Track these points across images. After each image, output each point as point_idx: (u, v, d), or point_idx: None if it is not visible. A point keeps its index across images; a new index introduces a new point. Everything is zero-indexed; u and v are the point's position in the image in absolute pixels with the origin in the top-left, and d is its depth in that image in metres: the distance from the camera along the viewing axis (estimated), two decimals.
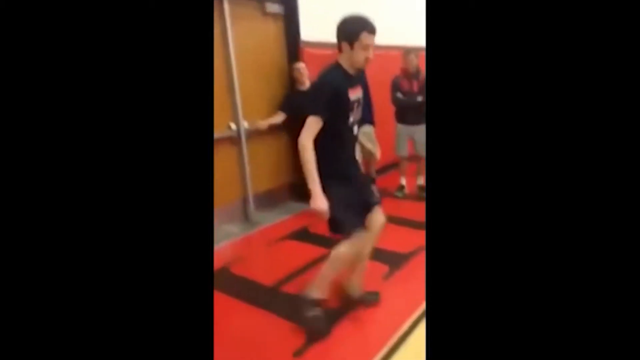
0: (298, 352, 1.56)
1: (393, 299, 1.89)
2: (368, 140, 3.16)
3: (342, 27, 1.49)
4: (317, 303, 1.64)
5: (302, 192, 3.16)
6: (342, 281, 1.84)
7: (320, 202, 1.46)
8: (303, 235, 2.76)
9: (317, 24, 3.24)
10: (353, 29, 1.45)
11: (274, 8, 3.09)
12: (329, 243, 2.53)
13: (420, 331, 1.65)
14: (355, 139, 1.67)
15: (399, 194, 3.39)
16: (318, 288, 1.65)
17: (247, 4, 2.91)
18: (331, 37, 3.51)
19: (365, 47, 1.45)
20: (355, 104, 1.54)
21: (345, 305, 1.83)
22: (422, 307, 1.80)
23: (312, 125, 1.44)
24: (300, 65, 3.00)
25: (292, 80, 3.09)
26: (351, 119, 1.54)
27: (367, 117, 3.11)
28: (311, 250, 2.46)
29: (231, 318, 1.82)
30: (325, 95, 1.45)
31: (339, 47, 1.50)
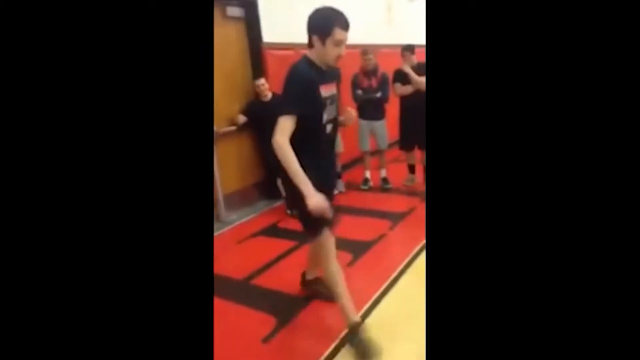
0: (266, 339, 1.67)
1: (356, 283, 2.03)
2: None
3: (314, 20, 1.37)
4: (357, 326, 1.53)
5: (269, 190, 3.28)
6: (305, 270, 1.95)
7: (317, 199, 1.32)
8: (272, 231, 2.86)
9: (278, 25, 3.34)
10: (326, 23, 1.33)
11: (235, 12, 3.16)
12: (297, 237, 2.66)
13: (384, 307, 1.79)
14: (330, 138, 1.54)
15: (365, 187, 3.55)
16: (349, 312, 1.53)
17: None
18: (292, 38, 3.61)
19: (338, 43, 1.34)
20: (328, 101, 1.43)
21: (307, 291, 1.94)
22: (384, 286, 1.95)
23: (285, 125, 1.33)
24: (261, 82, 3.07)
25: (255, 94, 3.15)
26: (325, 117, 1.43)
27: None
28: (280, 245, 2.57)
29: None
30: (296, 90, 1.36)
31: (309, 41, 1.39)
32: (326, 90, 1.43)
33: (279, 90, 3.18)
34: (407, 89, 3.19)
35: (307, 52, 1.42)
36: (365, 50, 3.26)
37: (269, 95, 3.09)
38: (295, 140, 1.35)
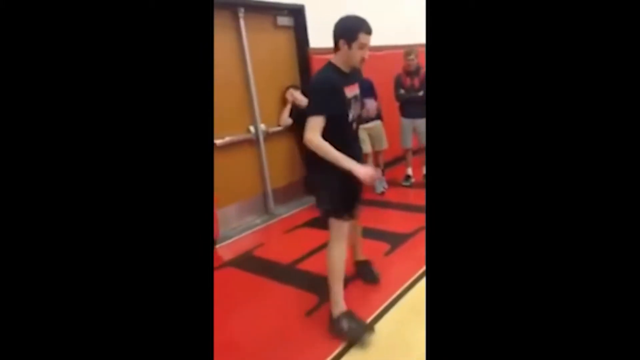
0: (309, 312, 1.88)
1: (393, 269, 2.18)
2: (377, 135, 3.44)
3: (341, 26, 1.53)
4: (345, 315, 1.68)
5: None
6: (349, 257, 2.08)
7: (365, 169, 1.50)
8: (316, 223, 3.08)
9: (323, 32, 3.55)
10: (352, 29, 1.49)
11: (285, 21, 3.43)
12: None
13: (416, 291, 1.93)
14: (356, 135, 1.71)
15: (406, 183, 3.65)
16: (337, 304, 1.70)
17: (261, 19, 3.25)
18: None
19: (362, 47, 1.50)
20: (352, 101, 1.58)
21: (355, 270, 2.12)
22: (418, 273, 2.08)
23: (315, 124, 1.48)
24: (289, 92, 3.30)
25: (292, 104, 3.36)
26: (350, 116, 1.59)
27: (375, 114, 3.40)
28: (323, 235, 2.76)
29: (255, 291, 2.16)
30: (323, 94, 1.50)
31: (336, 46, 1.54)
32: (350, 91, 1.58)
33: None
34: None
35: (331, 57, 1.58)
36: (408, 50, 3.37)
37: (304, 100, 3.30)
38: (327, 139, 1.50)
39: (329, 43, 3.83)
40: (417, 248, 2.44)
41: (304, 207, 3.46)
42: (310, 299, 1.98)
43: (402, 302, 1.88)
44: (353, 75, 1.62)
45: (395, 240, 2.52)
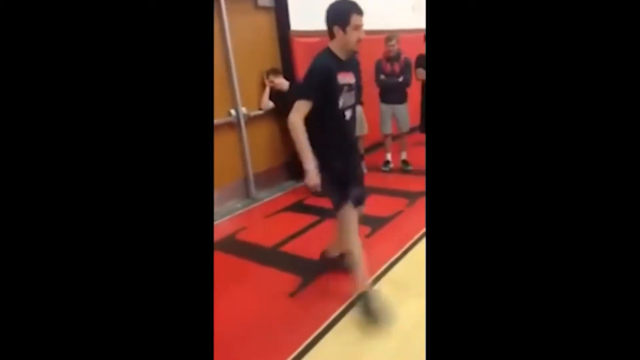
0: (293, 294, 1.93)
1: (374, 250, 2.25)
2: (357, 120, 3.46)
3: (332, 12, 1.55)
4: (369, 294, 1.68)
5: (296, 171, 3.51)
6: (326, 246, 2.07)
7: (313, 179, 1.55)
8: (297, 207, 3.11)
9: (305, 14, 3.51)
10: (343, 13, 1.52)
11: (265, 2, 3.36)
12: (320, 212, 2.90)
13: (396, 269, 2.01)
14: (347, 123, 1.67)
15: (385, 169, 3.72)
16: (361, 281, 1.70)
17: (241, 0, 3.18)
18: (319, 25, 3.78)
19: (357, 28, 1.52)
20: (345, 88, 1.57)
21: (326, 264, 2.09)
22: (398, 253, 2.16)
23: (301, 107, 1.51)
24: (270, 79, 3.29)
25: (272, 91, 3.34)
26: (341, 103, 1.58)
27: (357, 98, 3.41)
28: (305, 219, 2.82)
29: (239, 273, 2.19)
30: (314, 80, 1.52)
31: (330, 33, 1.56)
32: (344, 78, 1.57)
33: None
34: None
35: (328, 43, 1.59)
36: (389, 36, 3.39)
37: (285, 84, 3.28)
38: (318, 125, 1.55)
39: (311, 25, 3.79)
40: (396, 230, 2.52)
41: (285, 192, 3.48)
42: (294, 280, 2.03)
43: (384, 279, 1.96)
44: (349, 63, 1.62)
45: (375, 223, 2.59)
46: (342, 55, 1.58)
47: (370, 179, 3.53)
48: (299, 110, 1.52)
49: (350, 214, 1.71)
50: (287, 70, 3.45)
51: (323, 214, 2.88)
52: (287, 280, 2.05)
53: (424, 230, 2.41)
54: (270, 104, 3.34)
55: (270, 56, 3.48)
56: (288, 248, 2.42)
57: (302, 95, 1.54)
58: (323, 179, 1.60)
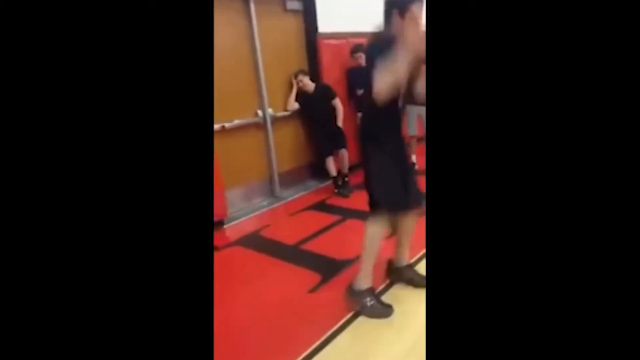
0: (312, 290, 1.98)
1: (387, 251, 2.27)
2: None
3: None
4: (370, 292, 1.73)
5: (318, 172, 3.57)
6: (391, 256, 1.97)
7: (414, 32, 1.40)
8: (320, 206, 3.16)
9: (332, 16, 3.57)
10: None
11: (294, 5, 3.44)
12: (342, 212, 2.94)
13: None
14: (400, 114, 1.64)
15: None
16: (365, 278, 1.72)
17: (270, 3, 3.27)
18: (345, 27, 3.82)
19: (414, 20, 1.46)
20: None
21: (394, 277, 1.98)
22: (417, 257, 2.17)
23: (384, 74, 1.41)
24: (299, 79, 3.31)
25: (299, 90, 3.37)
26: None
27: None
28: (327, 218, 2.86)
29: (261, 269, 2.27)
30: (382, 50, 1.41)
31: (387, 16, 1.51)
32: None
33: (331, 79, 3.47)
34: None
35: (339, 42, 1.59)
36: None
37: (312, 86, 3.34)
38: (371, 117, 1.58)
39: (338, 28, 3.82)
40: (417, 232, 2.52)
41: (308, 191, 3.54)
42: (314, 277, 2.08)
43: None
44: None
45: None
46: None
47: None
48: (383, 77, 1.42)
49: (383, 226, 1.69)
50: (314, 72, 3.51)
51: (344, 213, 2.92)
52: (307, 277, 2.10)
53: None
54: (296, 105, 3.42)
55: (297, 58, 3.55)
56: (309, 246, 2.48)
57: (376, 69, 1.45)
58: (379, 182, 1.59)
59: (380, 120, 1.57)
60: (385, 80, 1.41)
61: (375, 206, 1.69)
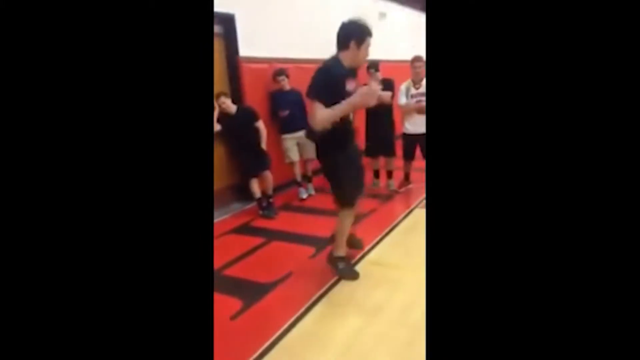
0: (233, 317, 1.91)
1: (318, 270, 2.30)
2: (305, 144, 3.56)
3: (352, 29, 1.78)
4: (342, 259, 2.17)
5: (242, 193, 3.51)
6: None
7: (359, 96, 1.74)
8: (244, 229, 3.10)
9: (253, 41, 3.62)
10: (362, 32, 1.77)
11: (214, 29, 3.43)
12: (267, 234, 2.91)
13: (338, 288, 2.06)
14: (352, 125, 2.05)
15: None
16: (340, 248, 2.16)
17: None
18: (266, 52, 3.88)
19: (367, 47, 1.80)
20: (351, 93, 1.79)
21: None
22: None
23: (318, 106, 1.73)
24: (221, 100, 3.23)
25: (221, 111, 3.29)
26: None
27: (304, 123, 3.52)
28: (251, 241, 2.81)
29: None
30: (323, 83, 1.74)
31: (345, 44, 1.78)
32: (350, 85, 1.81)
33: (253, 101, 3.48)
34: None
35: (339, 54, 1.82)
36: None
37: (233, 108, 3.31)
38: (328, 130, 1.78)
39: (259, 52, 3.86)
40: None
41: (232, 214, 3.45)
42: (235, 304, 2.01)
43: (325, 299, 2.00)
44: (352, 72, 1.85)
45: (320, 243, 2.65)
46: (347, 65, 1.81)
47: (317, 201, 3.63)
48: (318, 108, 1.73)
49: (351, 216, 2.10)
50: (236, 94, 3.50)
51: (269, 235, 2.90)
52: (229, 303, 2.02)
53: (366, 248, 2.51)
54: (218, 127, 3.36)
55: (219, 80, 3.51)
56: (231, 271, 2.40)
57: (313, 97, 1.75)
58: (338, 174, 1.94)
59: (339, 133, 1.87)
60: (324, 117, 1.73)
61: (345, 202, 2.06)
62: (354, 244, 2.45)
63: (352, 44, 1.76)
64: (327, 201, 3.59)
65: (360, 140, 3.88)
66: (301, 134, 3.51)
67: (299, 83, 3.68)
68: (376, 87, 1.89)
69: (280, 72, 3.52)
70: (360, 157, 2.16)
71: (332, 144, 1.90)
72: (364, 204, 3.37)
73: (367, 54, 1.82)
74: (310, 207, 3.51)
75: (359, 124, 3.76)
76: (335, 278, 2.18)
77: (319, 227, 2.97)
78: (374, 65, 3.47)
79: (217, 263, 2.48)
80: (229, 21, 3.46)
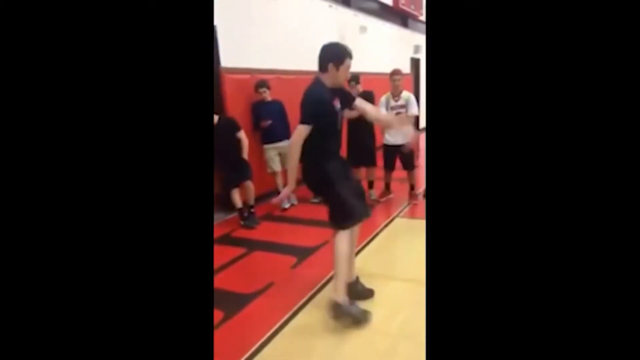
0: (216, 327, 1.88)
1: (299, 280, 2.30)
2: (288, 154, 3.57)
3: (330, 51, 1.81)
4: (351, 302, 1.83)
5: (224, 204, 3.48)
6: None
7: (283, 198, 1.94)
8: (225, 239, 3.07)
9: (235, 52, 3.65)
10: (340, 54, 1.79)
11: None
12: (248, 244, 2.89)
13: (319, 297, 2.06)
14: (340, 142, 2.05)
15: (315, 200, 3.84)
16: (339, 291, 1.81)
17: None
18: (247, 63, 3.88)
19: (347, 68, 1.82)
20: (338, 114, 1.85)
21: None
22: (322, 282, 2.22)
23: (301, 131, 1.73)
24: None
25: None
26: (338, 125, 1.88)
27: (286, 133, 3.56)
28: (232, 251, 2.79)
29: None
30: (312, 106, 1.75)
31: (324, 67, 1.81)
32: (335, 105, 1.84)
33: (235, 112, 3.49)
34: (353, 114, 3.57)
35: (320, 76, 1.84)
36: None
37: (215, 118, 3.31)
38: (319, 145, 1.79)
39: (239, 63, 3.86)
40: (322, 260, 2.60)
41: (215, 223, 3.42)
42: (217, 314, 1.98)
43: (307, 309, 2.00)
44: (335, 92, 1.87)
45: (301, 253, 2.66)
46: (330, 86, 1.83)
47: (299, 211, 3.64)
48: (300, 134, 1.74)
49: (355, 231, 1.89)
50: (217, 105, 3.50)
51: (250, 245, 2.88)
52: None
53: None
54: None
55: None
56: (214, 282, 2.37)
57: (301, 121, 1.75)
58: (335, 192, 1.80)
59: (320, 147, 1.83)
60: (292, 146, 1.79)
61: (340, 222, 1.83)
62: (361, 293, 2.02)
63: (331, 67, 1.80)
64: (308, 211, 3.64)
65: (342, 151, 3.94)
66: (283, 144, 3.54)
67: (280, 94, 3.72)
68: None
69: (262, 84, 3.55)
70: (351, 171, 2.06)
71: (315, 158, 1.84)
72: None
73: (347, 75, 1.86)
74: (292, 217, 3.51)
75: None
76: (317, 287, 2.18)
77: (301, 236, 2.99)
78: (354, 79, 3.54)
79: None
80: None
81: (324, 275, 2.30)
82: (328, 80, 1.82)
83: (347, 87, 1.91)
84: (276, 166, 3.67)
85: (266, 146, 3.65)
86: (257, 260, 2.67)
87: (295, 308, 1.99)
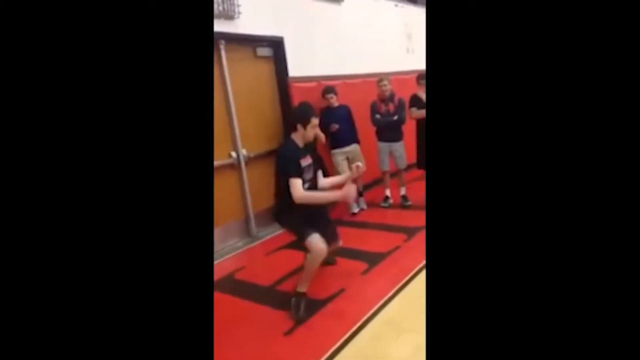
0: (287, 332, 1.92)
1: (370, 287, 2.24)
2: (354, 158, 3.56)
3: (297, 113, 2.13)
4: (302, 295, 2.10)
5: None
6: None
7: (340, 194, 2.09)
8: (296, 244, 3.13)
9: (302, 61, 3.74)
10: (306, 114, 2.07)
11: (264, 52, 3.60)
12: None
13: (391, 307, 1.99)
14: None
15: (385, 204, 3.76)
16: (303, 282, 2.13)
17: (241, 50, 3.41)
18: (314, 71, 3.96)
19: (314, 127, 2.09)
20: (306, 169, 2.08)
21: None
22: (394, 290, 2.15)
23: (296, 183, 1.98)
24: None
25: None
26: (305, 179, 2.09)
27: (353, 138, 3.56)
28: (302, 256, 2.83)
29: (234, 314, 2.19)
30: (287, 162, 2.02)
31: (293, 127, 2.10)
32: (304, 162, 2.08)
33: None
34: (422, 113, 3.44)
35: (292, 135, 2.11)
36: (380, 78, 3.56)
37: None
38: (286, 199, 2.01)
39: (307, 72, 3.98)
40: (393, 266, 2.52)
41: (285, 230, 3.51)
42: (289, 320, 2.02)
43: (378, 317, 1.94)
44: (307, 149, 2.16)
45: (372, 259, 2.60)
46: (301, 144, 2.11)
47: (369, 215, 3.58)
48: (296, 186, 1.98)
49: (319, 248, 2.05)
50: (287, 113, 3.61)
51: None
52: (283, 318, 2.04)
53: (420, 265, 2.41)
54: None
55: (270, 101, 3.66)
56: (284, 286, 2.43)
57: (286, 176, 2.01)
58: (294, 226, 2.12)
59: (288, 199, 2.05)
60: (304, 197, 2.00)
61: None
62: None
63: (299, 127, 2.07)
64: (380, 215, 3.57)
65: (412, 154, 3.79)
66: (350, 148, 3.53)
67: (348, 99, 3.72)
68: (353, 188, 2.18)
69: (328, 90, 3.58)
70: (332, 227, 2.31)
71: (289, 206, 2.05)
72: (418, 216, 3.28)
73: (314, 133, 2.12)
74: (363, 222, 3.47)
75: (410, 133, 3.68)
76: (390, 294, 2.11)
77: (372, 242, 2.92)
78: (328, 91, 3.54)
79: (271, 278, 2.53)
80: (278, 44, 3.61)
81: (395, 285, 2.22)
82: (298, 139, 2.10)
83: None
84: (343, 170, 3.66)
85: (333, 151, 3.66)
86: (328, 266, 2.67)
87: (367, 316, 1.94)
